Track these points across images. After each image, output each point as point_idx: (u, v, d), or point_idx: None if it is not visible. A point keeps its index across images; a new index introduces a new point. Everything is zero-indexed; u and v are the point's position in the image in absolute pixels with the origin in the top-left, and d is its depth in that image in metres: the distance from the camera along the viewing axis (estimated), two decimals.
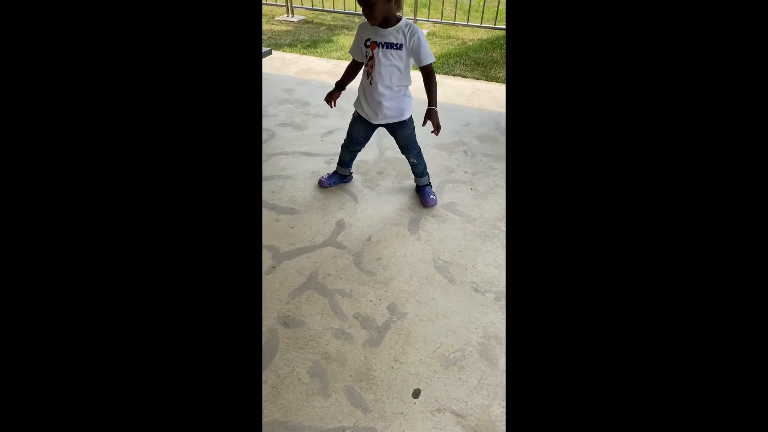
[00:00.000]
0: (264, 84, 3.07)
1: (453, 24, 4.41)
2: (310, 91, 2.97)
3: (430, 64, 1.55)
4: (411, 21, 1.52)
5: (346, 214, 1.83)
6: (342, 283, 1.50)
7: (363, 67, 1.63)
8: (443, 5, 4.39)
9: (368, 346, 1.29)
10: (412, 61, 1.58)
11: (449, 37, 4.22)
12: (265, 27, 4.59)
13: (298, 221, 1.78)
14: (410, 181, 1.97)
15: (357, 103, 1.72)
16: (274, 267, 1.56)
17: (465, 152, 2.27)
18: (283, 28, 4.57)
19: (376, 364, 1.24)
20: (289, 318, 1.37)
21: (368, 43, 1.54)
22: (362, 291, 1.47)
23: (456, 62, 3.50)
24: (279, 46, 3.93)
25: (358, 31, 1.60)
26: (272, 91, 2.96)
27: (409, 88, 1.65)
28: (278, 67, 3.40)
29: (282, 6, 5.06)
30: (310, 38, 4.18)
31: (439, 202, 1.89)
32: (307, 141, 2.36)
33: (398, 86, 1.59)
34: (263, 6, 5.26)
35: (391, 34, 1.50)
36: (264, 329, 1.33)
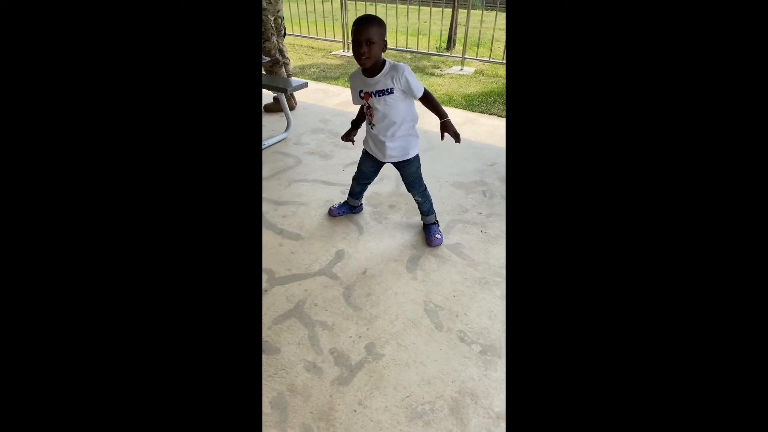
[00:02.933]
0: (303, 113, 3.24)
1: (502, 63, 4.40)
2: (344, 123, 3.07)
3: (424, 90, 1.56)
4: (392, 61, 1.52)
5: (347, 244, 1.83)
6: (326, 315, 1.49)
7: (366, 113, 1.66)
8: (492, 44, 4.40)
9: (336, 384, 1.26)
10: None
11: (496, 76, 4.20)
12: (319, 60, 4.89)
13: (299, 247, 1.81)
14: (419, 218, 1.94)
15: (365, 142, 1.75)
16: (266, 290, 1.59)
17: (483, 192, 2.20)
18: (336, 62, 4.84)
19: (339, 405, 1.20)
20: (266, 344, 1.38)
21: (362, 95, 1.57)
22: (344, 326, 1.45)
23: (495, 101, 3.46)
24: (326, 78, 4.15)
25: (350, 82, 1.63)
26: (309, 120, 3.11)
27: (416, 126, 1.65)
28: (320, 98, 3.58)
29: (339, 42, 5.39)
30: None
31: (445, 242, 1.84)
32: (330, 170, 2.43)
33: (401, 127, 1.60)
34: (322, 41, 5.62)
35: (380, 82, 1.51)
36: None
